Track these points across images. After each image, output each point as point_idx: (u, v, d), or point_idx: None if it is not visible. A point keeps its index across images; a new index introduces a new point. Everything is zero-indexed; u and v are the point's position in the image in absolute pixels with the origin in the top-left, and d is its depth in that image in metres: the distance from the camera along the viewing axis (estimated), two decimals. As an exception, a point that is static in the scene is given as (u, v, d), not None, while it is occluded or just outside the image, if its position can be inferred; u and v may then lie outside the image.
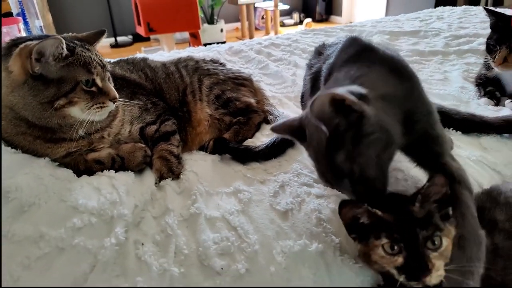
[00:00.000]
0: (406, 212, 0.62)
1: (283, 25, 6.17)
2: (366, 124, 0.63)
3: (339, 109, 0.62)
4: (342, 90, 0.64)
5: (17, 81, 0.76)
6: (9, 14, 2.00)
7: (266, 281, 0.68)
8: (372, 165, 0.64)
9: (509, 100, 1.29)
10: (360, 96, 0.64)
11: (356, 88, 0.66)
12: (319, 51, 1.21)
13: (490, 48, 1.32)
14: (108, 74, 0.90)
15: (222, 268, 0.68)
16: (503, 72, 1.33)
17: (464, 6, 3.11)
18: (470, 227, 0.66)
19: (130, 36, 5.29)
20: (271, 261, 0.71)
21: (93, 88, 0.83)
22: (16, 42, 0.79)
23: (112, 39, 5.12)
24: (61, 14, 4.67)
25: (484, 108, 1.26)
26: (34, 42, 0.74)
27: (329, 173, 0.68)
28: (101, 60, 0.86)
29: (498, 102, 1.31)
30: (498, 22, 1.33)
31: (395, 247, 0.60)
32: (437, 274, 0.58)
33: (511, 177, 0.95)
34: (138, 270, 0.66)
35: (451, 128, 1.10)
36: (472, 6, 3.01)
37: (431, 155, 0.77)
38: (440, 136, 0.78)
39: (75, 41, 0.84)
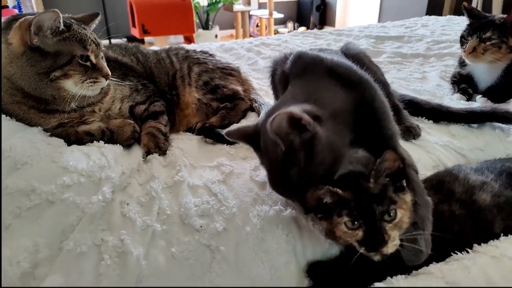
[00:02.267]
0: (363, 189, 0.66)
1: (277, 33, 6.30)
2: (318, 145, 0.67)
3: (295, 126, 0.66)
4: (298, 109, 0.67)
5: (16, 52, 0.82)
6: (5, 7, 2.06)
7: (242, 239, 0.74)
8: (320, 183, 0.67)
9: (480, 96, 1.38)
10: (314, 117, 0.69)
11: (312, 108, 0.71)
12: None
13: (463, 41, 1.40)
14: (102, 53, 0.95)
15: (201, 226, 0.74)
16: (475, 69, 1.42)
17: (448, 16, 3.25)
18: (420, 195, 0.72)
19: (125, 39, 5.35)
20: (247, 222, 0.76)
21: (87, 63, 0.88)
22: (16, 17, 0.84)
23: (106, 41, 5.18)
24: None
25: (456, 103, 1.34)
26: (33, 16, 0.80)
27: (282, 185, 0.72)
28: (95, 38, 0.92)
29: (470, 98, 1.40)
30: (475, 19, 1.40)
31: (355, 223, 0.65)
32: (393, 244, 0.64)
33: (475, 160, 1.02)
34: (122, 225, 0.72)
35: (424, 117, 1.18)
36: (456, 16, 3.14)
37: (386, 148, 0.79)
38: (394, 134, 0.81)
39: (72, 20, 0.90)
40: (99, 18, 1.00)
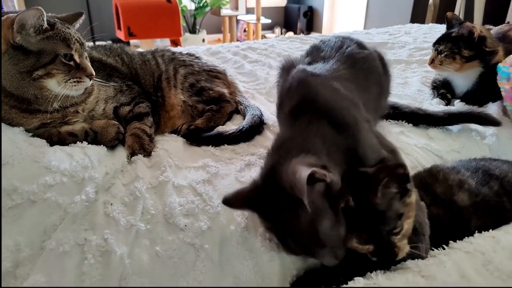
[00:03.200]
0: (370, 206, 0.65)
1: (264, 38, 6.34)
2: (335, 189, 0.66)
3: (310, 182, 0.62)
4: (307, 165, 0.65)
5: (-2, 51, 0.81)
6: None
7: (226, 237, 0.74)
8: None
9: (458, 101, 1.43)
10: (322, 167, 0.67)
11: (315, 160, 0.69)
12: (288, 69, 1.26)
13: None
14: (86, 53, 0.95)
15: (185, 225, 0.74)
16: (452, 76, 1.47)
17: (430, 24, 3.35)
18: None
19: (110, 41, 5.29)
20: (231, 221, 0.77)
21: (71, 63, 0.88)
22: (-2, 16, 0.84)
23: (91, 44, 5.11)
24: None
25: (435, 107, 1.39)
26: (16, 14, 0.79)
27: (313, 245, 0.67)
28: (79, 38, 0.91)
29: (448, 103, 1.45)
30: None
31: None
32: (403, 252, 0.66)
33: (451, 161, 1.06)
34: (106, 225, 0.72)
35: (404, 121, 1.22)
36: (438, 24, 3.23)
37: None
38: (381, 160, 0.80)
39: (55, 19, 0.90)
40: (83, 17, 0.99)
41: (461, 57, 1.35)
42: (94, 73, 0.92)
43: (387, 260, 0.66)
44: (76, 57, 0.89)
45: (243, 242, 0.74)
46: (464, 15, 3.86)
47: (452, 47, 1.37)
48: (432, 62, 1.44)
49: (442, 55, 1.39)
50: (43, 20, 0.82)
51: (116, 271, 0.65)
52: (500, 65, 1.30)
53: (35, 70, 0.82)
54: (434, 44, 1.45)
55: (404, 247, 0.66)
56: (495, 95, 1.34)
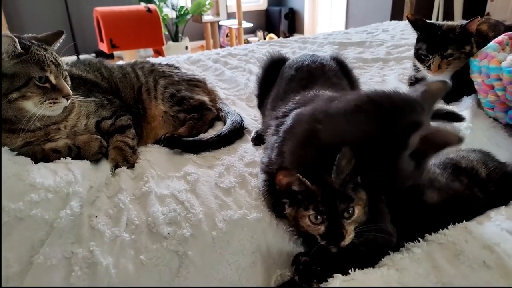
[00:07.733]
0: (327, 183, 0.71)
1: (247, 42, 6.38)
2: None
3: None
4: None
5: (-25, 74, 0.83)
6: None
7: (208, 243, 0.77)
8: None
9: (433, 96, 1.48)
10: None
11: None
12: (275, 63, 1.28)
13: (422, 58, 1.44)
14: (66, 73, 0.97)
15: (168, 233, 0.77)
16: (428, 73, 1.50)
17: (407, 20, 3.41)
18: None
19: (93, 54, 5.28)
20: (213, 227, 0.80)
21: (47, 85, 0.90)
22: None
23: (74, 57, 5.09)
24: (21, 32, 4.60)
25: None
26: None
27: None
28: (55, 59, 0.93)
29: (424, 98, 1.49)
30: (425, 34, 1.43)
31: (319, 218, 0.71)
32: (349, 237, 0.71)
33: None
34: (91, 237, 0.74)
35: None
36: (415, 21, 3.30)
37: None
38: None
39: (33, 41, 0.92)
40: (63, 37, 1.01)
41: (464, 54, 1.35)
42: (71, 93, 0.93)
43: (335, 241, 0.70)
44: (52, 79, 0.90)
45: (226, 247, 0.77)
46: (443, 9, 3.93)
47: (458, 47, 1.34)
48: (438, 68, 1.38)
49: (451, 58, 1.35)
50: (15, 47, 0.84)
51: (103, 281, 0.68)
52: (472, 58, 1.34)
53: (10, 93, 0.84)
54: (435, 49, 1.37)
55: (351, 232, 0.71)
56: (470, 89, 1.37)
